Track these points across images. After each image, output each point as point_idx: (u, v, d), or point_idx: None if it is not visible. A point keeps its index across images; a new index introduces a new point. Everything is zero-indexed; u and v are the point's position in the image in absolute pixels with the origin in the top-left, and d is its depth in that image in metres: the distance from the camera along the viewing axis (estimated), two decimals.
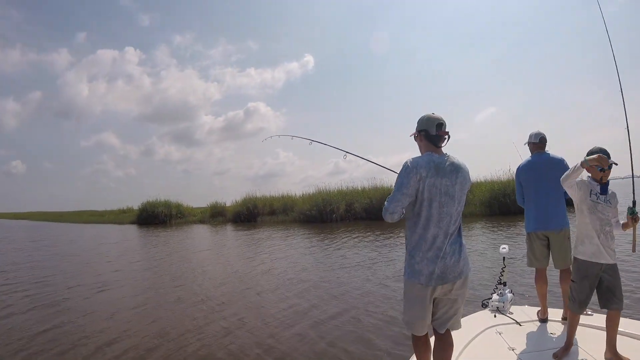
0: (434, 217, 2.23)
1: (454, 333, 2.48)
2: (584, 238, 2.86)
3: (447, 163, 2.28)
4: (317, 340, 5.07)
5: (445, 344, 2.41)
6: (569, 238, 3.65)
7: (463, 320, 2.53)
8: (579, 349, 2.92)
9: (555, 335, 3.27)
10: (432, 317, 2.39)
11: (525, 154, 4.02)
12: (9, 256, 16.02)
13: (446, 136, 2.36)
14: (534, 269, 3.87)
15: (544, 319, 3.60)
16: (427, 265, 2.24)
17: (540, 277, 3.79)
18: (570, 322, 2.91)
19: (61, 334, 5.90)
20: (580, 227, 2.90)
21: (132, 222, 35.87)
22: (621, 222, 2.93)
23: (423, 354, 2.44)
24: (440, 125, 2.34)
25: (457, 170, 2.29)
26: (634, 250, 2.91)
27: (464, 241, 2.37)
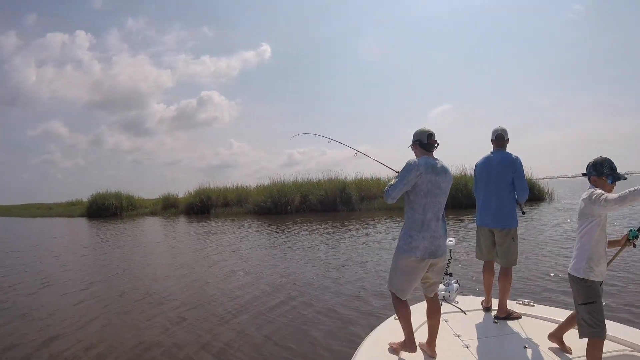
0: (428, 205, 2.92)
1: (400, 344, 3.07)
2: (600, 258, 2.76)
3: (439, 165, 2.99)
4: (256, 334, 5.37)
5: (435, 305, 3.09)
6: (514, 238, 3.76)
7: (411, 308, 3.15)
8: (522, 337, 3.17)
9: (498, 323, 3.47)
10: (423, 285, 3.10)
11: (484, 151, 4.09)
12: None
13: (435, 144, 3.05)
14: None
15: (487, 308, 3.80)
16: (422, 243, 2.88)
17: (487, 269, 3.96)
18: (595, 355, 2.68)
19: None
20: (597, 247, 2.76)
21: (82, 215, 35.25)
22: (608, 238, 2.88)
23: (404, 310, 3.05)
24: (430, 135, 3.03)
25: (445, 170, 3.01)
26: (608, 266, 2.94)
27: (446, 226, 3.08)
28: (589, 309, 2.69)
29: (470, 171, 20.79)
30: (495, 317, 3.59)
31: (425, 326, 3.15)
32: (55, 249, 15.83)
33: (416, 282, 3.00)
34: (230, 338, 5.34)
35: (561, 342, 3.00)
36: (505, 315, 3.55)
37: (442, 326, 3.26)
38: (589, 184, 2.86)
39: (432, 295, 3.12)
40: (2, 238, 21.77)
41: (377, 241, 12.12)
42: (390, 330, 3.37)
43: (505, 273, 3.75)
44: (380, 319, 4.49)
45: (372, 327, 3.69)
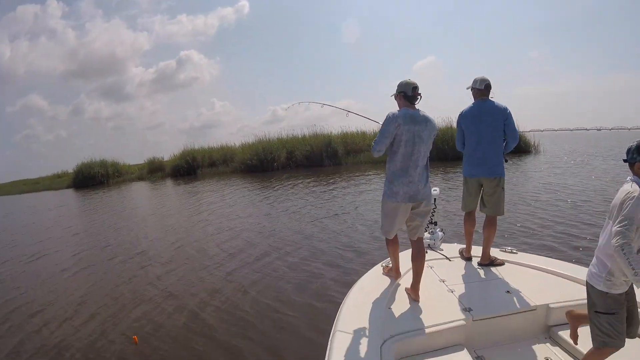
0: (407, 154, 3.11)
1: (389, 269, 3.60)
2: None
3: (420, 114, 3.13)
4: (243, 285, 5.86)
5: (419, 248, 3.30)
6: (503, 188, 3.78)
7: (400, 255, 3.56)
8: (504, 282, 3.27)
9: (482, 270, 3.59)
10: (407, 228, 3.36)
11: (466, 101, 4.02)
12: None
13: (419, 96, 3.20)
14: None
15: (468, 258, 3.89)
16: (402, 188, 3.14)
17: (470, 219, 4.02)
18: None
19: None
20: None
21: (69, 187, 34.95)
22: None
23: (394, 247, 3.49)
24: (414, 88, 3.17)
25: (426, 120, 3.15)
26: None
27: (428, 174, 3.28)
28: (610, 320, 2.31)
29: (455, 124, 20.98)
30: (479, 264, 3.71)
31: (411, 273, 3.34)
32: (44, 223, 15.95)
33: (398, 224, 3.30)
34: (217, 287, 5.88)
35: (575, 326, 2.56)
36: (489, 262, 3.69)
37: (428, 272, 3.47)
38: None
39: (415, 238, 3.33)
40: None
41: (360, 192, 12.47)
42: (376, 275, 3.68)
43: (492, 222, 3.84)
44: (367, 267, 4.73)
45: (360, 275, 3.92)
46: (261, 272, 6.41)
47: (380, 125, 3.18)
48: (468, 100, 3.95)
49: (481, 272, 3.56)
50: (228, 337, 4.54)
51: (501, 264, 3.68)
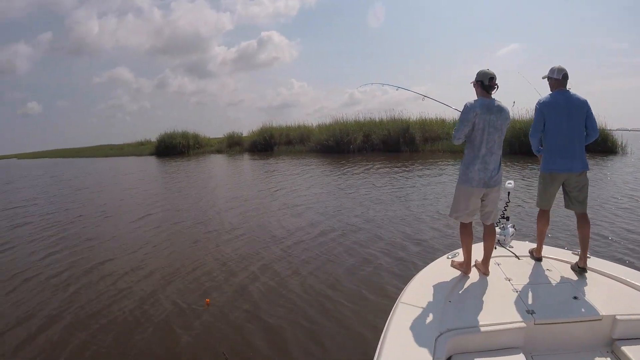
0: (484, 142, 3.34)
1: (458, 263, 3.57)
2: None
3: (495, 104, 3.34)
4: (301, 259, 6.26)
5: (490, 230, 3.59)
6: (588, 181, 3.70)
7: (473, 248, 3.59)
8: (574, 287, 3.12)
9: (551, 272, 3.46)
10: (480, 212, 3.57)
11: (542, 91, 3.90)
12: (25, 193, 17.52)
13: (496, 86, 3.40)
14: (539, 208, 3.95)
15: (538, 258, 3.74)
16: (477, 174, 3.36)
17: (545, 217, 3.88)
18: None
19: (66, 257, 7.11)
20: None
21: (151, 154, 37.83)
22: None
23: (466, 236, 3.58)
24: (491, 78, 3.37)
25: (501, 110, 3.34)
26: None
27: (501, 162, 3.45)
28: None
29: None
30: (579, 266, 3.42)
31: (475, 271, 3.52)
32: (124, 184, 17.72)
33: (472, 209, 3.52)
34: (270, 262, 6.20)
35: None
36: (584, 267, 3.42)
37: (494, 269, 3.51)
38: None
39: (488, 223, 3.59)
40: (73, 177, 24.04)
41: (432, 182, 12.31)
42: (440, 266, 3.65)
43: (586, 220, 3.70)
44: (426, 260, 4.87)
45: (425, 263, 3.98)
46: (317, 253, 6.58)
47: (459, 114, 3.41)
48: (546, 92, 3.82)
49: (549, 274, 3.44)
50: (271, 316, 4.60)
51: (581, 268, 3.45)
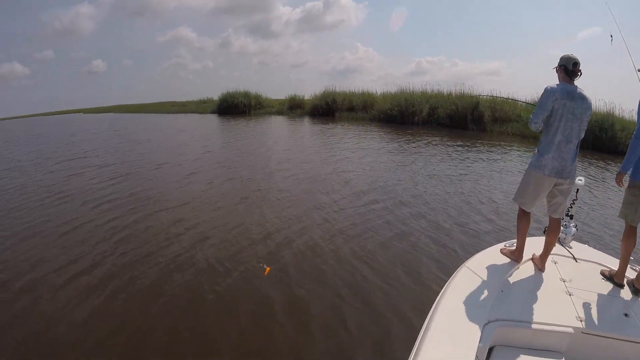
0: (561, 129, 3.29)
1: (510, 251, 3.64)
2: None
3: (577, 92, 3.29)
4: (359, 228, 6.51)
5: (555, 226, 3.56)
6: None
7: (527, 240, 3.63)
8: (627, 303, 3.04)
9: (606, 282, 3.30)
10: (548, 204, 3.57)
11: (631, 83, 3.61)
12: (86, 145, 18.97)
13: (579, 72, 3.34)
14: (623, 222, 3.47)
15: (620, 284, 3.27)
16: (550, 162, 3.34)
17: (632, 234, 3.39)
18: None
19: (116, 207, 7.93)
20: None
21: (213, 112, 39.07)
22: None
23: (524, 223, 3.65)
24: (575, 64, 3.32)
25: (583, 98, 3.30)
26: None
27: (577, 153, 3.41)
28: None
29: (619, 111, 18.39)
30: (635, 288, 3.18)
31: (529, 263, 3.57)
32: (184, 139, 18.96)
33: (540, 198, 3.52)
34: (308, 229, 6.56)
35: None
36: None
37: (550, 267, 3.49)
38: None
39: (556, 216, 3.57)
40: (134, 131, 26.05)
41: (493, 167, 11.76)
42: (493, 253, 3.69)
43: None
44: (471, 251, 4.86)
45: (467, 252, 4.30)
46: (356, 223, 6.74)
47: (532, 104, 3.46)
48: (634, 83, 3.49)
49: (607, 284, 3.28)
50: (299, 286, 4.72)
51: None
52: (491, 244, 3.98)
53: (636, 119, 3.37)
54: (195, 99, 52.46)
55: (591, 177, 10.91)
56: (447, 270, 4.67)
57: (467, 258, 3.68)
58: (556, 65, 3.43)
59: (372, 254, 5.57)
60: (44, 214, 7.64)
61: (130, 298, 4.60)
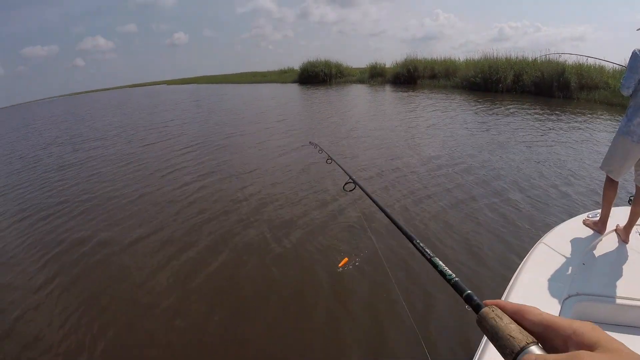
0: None
1: (593, 222, 3.59)
2: None
3: None
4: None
5: None
6: None
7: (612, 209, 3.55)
8: None
9: None
10: (635, 172, 3.42)
11: None
12: (167, 114, 21.92)
13: None
14: None
15: None
16: (639, 128, 3.18)
17: None
18: None
19: (183, 176, 9.16)
20: None
21: (294, 82, 41.39)
22: None
23: (611, 192, 3.56)
24: None
25: None
26: None
27: None
28: None
29: None
30: None
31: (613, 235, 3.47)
32: (263, 108, 21.32)
33: (628, 166, 3.38)
34: (407, 184, 7.52)
35: None
36: None
37: (634, 238, 3.36)
38: None
39: None
40: (215, 101, 29.28)
41: (576, 138, 11.30)
42: (576, 225, 3.62)
43: None
44: (542, 224, 5.25)
45: (536, 229, 4.55)
46: (420, 202, 6.73)
47: (626, 65, 3.27)
48: None
49: None
50: (358, 265, 4.76)
51: None
52: (563, 220, 3.87)
53: None
54: (276, 69, 55.03)
55: None
56: (520, 249, 4.80)
57: (541, 234, 3.69)
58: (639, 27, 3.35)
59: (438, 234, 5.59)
60: (122, 180, 9.25)
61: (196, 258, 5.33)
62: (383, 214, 1.54)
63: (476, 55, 28.82)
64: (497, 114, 15.86)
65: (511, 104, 18.70)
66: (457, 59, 31.03)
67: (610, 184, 3.57)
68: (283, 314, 4.04)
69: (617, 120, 14.87)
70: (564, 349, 0.50)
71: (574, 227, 3.55)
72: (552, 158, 9.07)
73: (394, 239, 5.24)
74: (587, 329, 0.49)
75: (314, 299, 4.24)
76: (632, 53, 3.20)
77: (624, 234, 3.36)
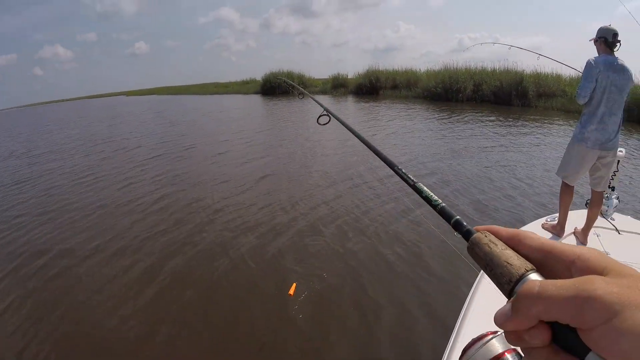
0: (604, 101, 3.32)
1: (551, 225, 3.74)
2: None
3: (618, 63, 3.33)
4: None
5: (597, 199, 3.60)
6: None
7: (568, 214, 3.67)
8: None
9: None
10: (590, 177, 3.63)
11: None
12: (124, 127, 21.56)
13: (619, 43, 3.40)
14: None
15: None
16: (593, 134, 3.38)
17: None
18: None
19: (140, 187, 9.25)
20: None
21: (256, 93, 41.23)
22: None
23: (567, 197, 3.70)
24: (615, 34, 3.38)
25: (624, 69, 3.34)
26: None
27: (621, 126, 3.46)
28: None
29: None
30: None
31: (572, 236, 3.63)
32: (224, 119, 21.30)
33: (583, 171, 3.58)
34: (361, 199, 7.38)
35: None
36: None
37: (592, 240, 3.53)
38: None
39: (598, 189, 3.64)
40: (174, 113, 29.38)
41: (533, 143, 11.74)
42: (534, 230, 3.53)
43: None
44: (524, 221, 5.23)
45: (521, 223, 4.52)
46: (369, 211, 6.70)
47: (582, 71, 3.45)
48: None
49: None
50: (320, 271, 4.81)
51: None
52: (515, 226, 4.46)
53: None
54: (238, 80, 54.78)
55: (631, 148, 11.04)
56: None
57: None
58: (594, 37, 3.52)
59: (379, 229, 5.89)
60: (79, 194, 9.04)
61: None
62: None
63: (437, 66, 29.44)
64: (455, 123, 16.18)
65: (470, 113, 19.11)
66: (418, 69, 31.71)
67: (566, 189, 3.71)
68: (230, 329, 3.97)
69: (572, 126, 15.25)
70: (567, 277, 0.42)
71: (534, 231, 3.42)
72: (504, 164, 9.32)
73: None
74: (592, 254, 0.42)
75: (258, 314, 4.16)
76: (587, 63, 3.37)
77: (582, 236, 3.53)
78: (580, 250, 0.43)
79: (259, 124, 18.64)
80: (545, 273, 0.45)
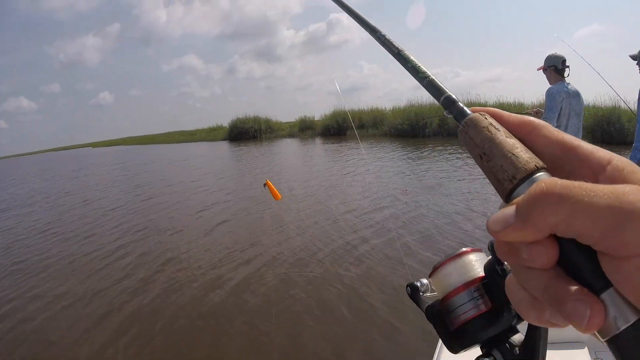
0: (568, 128, 3.47)
1: None
2: None
3: (573, 89, 3.50)
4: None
5: None
6: None
7: None
8: None
9: None
10: None
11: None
12: (91, 179, 21.68)
13: (567, 69, 3.58)
14: None
15: None
16: None
17: None
18: None
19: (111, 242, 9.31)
20: None
21: (224, 139, 41.52)
22: None
23: None
24: (564, 61, 3.55)
25: (578, 94, 3.51)
26: None
27: None
28: None
29: (625, 104, 19.44)
30: None
31: None
32: (192, 169, 21.23)
33: None
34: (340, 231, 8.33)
35: None
36: None
37: None
38: None
39: None
40: (141, 163, 28.78)
41: None
42: None
43: None
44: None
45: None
46: (335, 243, 7.03)
47: (547, 100, 3.59)
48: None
49: None
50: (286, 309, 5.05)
51: None
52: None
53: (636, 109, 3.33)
54: (205, 127, 55.32)
55: None
56: None
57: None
58: (542, 65, 3.66)
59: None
60: (43, 246, 9.00)
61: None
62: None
63: (402, 102, 30.38)
64: (419, 158, 16.81)
65: (438, 148, 19.74)
66: (384, 107, 32.80)
67: None
68: None
69: None
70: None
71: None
72: (459, 194, 9.79)
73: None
74: (627, 163, 0.31)
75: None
76: (548, 93, 3.50)
77: None
78: (612, 155, 0.33)
79: (224, 171, 18.84)
80: (560, 177, 0.31)
